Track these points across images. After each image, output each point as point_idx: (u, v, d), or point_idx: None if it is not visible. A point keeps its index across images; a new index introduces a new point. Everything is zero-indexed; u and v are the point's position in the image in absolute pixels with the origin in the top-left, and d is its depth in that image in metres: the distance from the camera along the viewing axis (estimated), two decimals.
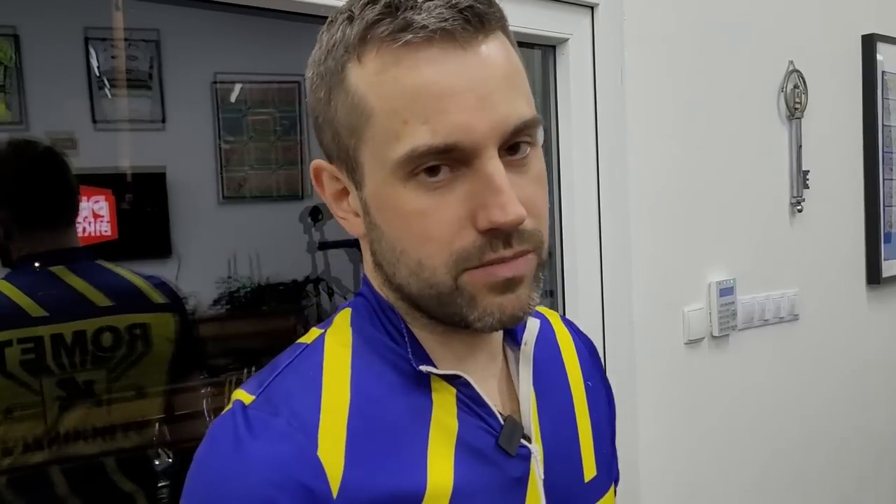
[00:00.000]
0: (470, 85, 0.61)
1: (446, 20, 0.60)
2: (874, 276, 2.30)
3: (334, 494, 0.60)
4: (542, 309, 0.89)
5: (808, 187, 2.10)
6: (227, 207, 3.21)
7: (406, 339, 0.70)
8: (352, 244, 3.20)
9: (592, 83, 1.72)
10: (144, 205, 2.92)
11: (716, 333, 1.90)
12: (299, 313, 3.15)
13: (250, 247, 3.09)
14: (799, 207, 2.08)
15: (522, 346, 0.74)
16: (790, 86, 2.05)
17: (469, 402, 0.69)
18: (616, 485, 0.92)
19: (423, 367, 0.68)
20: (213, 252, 3.06)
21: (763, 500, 2.08)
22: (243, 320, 3.02)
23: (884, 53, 2.28)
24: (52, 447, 1.54)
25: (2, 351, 1.44)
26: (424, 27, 0.59)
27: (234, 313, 3.05)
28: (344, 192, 0.70)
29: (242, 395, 0.66)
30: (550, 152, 1.74)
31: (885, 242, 2.31)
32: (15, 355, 1.45)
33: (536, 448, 0.72)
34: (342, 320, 0.73)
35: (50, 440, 1.54)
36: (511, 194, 0.61)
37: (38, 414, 1.53)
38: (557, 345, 0.85)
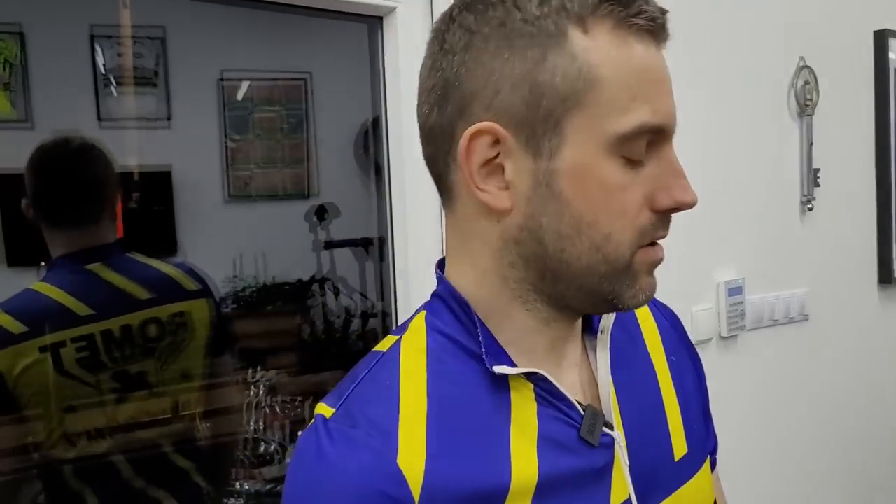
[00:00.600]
0: (667, 78, 0.68)
1: (657, 19, 0.66)
2: (886, 275, 2.27)
3: (416, 500, 0.62)
4: None
5: (818, 185, 2.07)
6: (233, 206, 3.20)
7: (481, 338, 0.69)
8: (357, 243, 3.19)
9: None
10: (150, 203, 2.91)
11: (724, 334, 1.88)
12: (305, 313, 3.13)
13: (256, 246, 3.08)
14: (809, 206, 2.06)
15: (599, 334, 0.76)
16: (801, 82, 2.03)
17: (548, 395, 0.70)
18: (714, 454, 0.92)
19: (497, 368, 0.68)
20: (219, 251, 3.05)
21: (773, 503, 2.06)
22: (249, 320, 3.02)
23: None
24: (113, 436, 1.60)
25: (57, 352, 1.48)
26: (654, 19, 0.65)
27: (240, 312, 3.04)
28: (492, 162, 0.67)
29: (323, 409, 0.68)
30: None
31: None
32: (70, 355, 1.49)
33: (619, 435, 0.73)
34: (418, 323, 0.73)
35: (111, 430, 1.59)
36: (687, 179, 0.68)
37: (98, 406, 1.57)
38: (637, 324, 0.85)
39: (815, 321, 2.12)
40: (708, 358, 1.84)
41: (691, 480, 0.79)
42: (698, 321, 1.83)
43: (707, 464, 0.84)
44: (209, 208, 3.11)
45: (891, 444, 2.41)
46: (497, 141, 0.66)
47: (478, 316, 0.70)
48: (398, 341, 0.72)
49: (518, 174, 0.66)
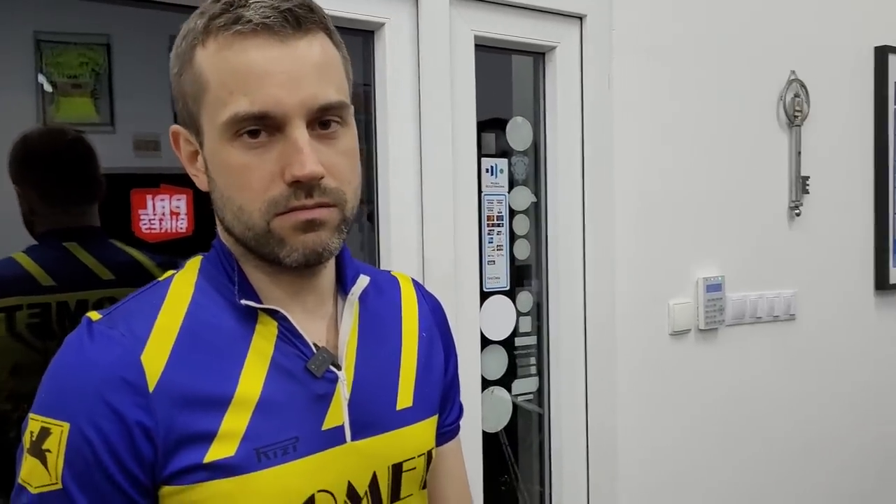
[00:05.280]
0: (283, 69, 0.79)
1: (268, 17, 0.79)
2: (882, 281, 2.35)
3: (151, 389, 0.78)
4: (397, 273, 1.09)
5: (807, 192, 2.17)
6: None
7: (236, 278, 0.87)
8: None
9: (580, 90, 1.85)
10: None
11: (702, 326, 2.01)
12: None
13: None
14: (797, 212, 2.16)
15: (349, 295, 0.92)
16: (790, 95, 2.14)
17: (288, 333, 0.86)
18: (457, 421, 1.11)
19: (244, 301, 0.85)
20: None
21: (745, 499, 2.16)
22: None
23: None
24: None
25: (13, 314, 1.61)
26: (250, 21, 0.78)
27: None
28: (195, 154, 0.87)
29: (92, 315, 0.83)
30: (539, 154, 1.89)
31: (895, 250, 2.35)
32: (23, 318, 1.61)
33: (344, 374, 0.88)
34: (192, 264, 0.92)
35: None
36: (311, 155, 0.79)
37: (42, 373, 1.69)
38: (400, 302, 1.04)
39: (803, 322, 2.22)
40: (686, 348, 1.99)
41: (407, 427, 0.95)
42: (675, 313, 1.96)
43: (431, 421, 1.00)
44: None
45: (886, 452, 2.47)
46: (187, 139, 0.87)
47: (238, 263, 0.88)
48: (173, 274, 0.90)
49: (202, 162, 0.86)
